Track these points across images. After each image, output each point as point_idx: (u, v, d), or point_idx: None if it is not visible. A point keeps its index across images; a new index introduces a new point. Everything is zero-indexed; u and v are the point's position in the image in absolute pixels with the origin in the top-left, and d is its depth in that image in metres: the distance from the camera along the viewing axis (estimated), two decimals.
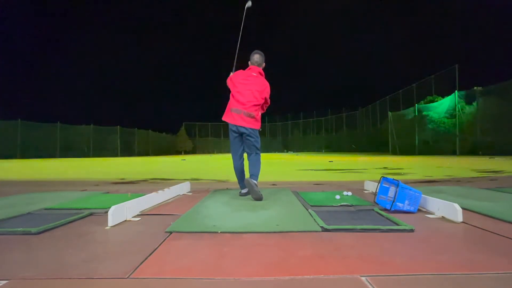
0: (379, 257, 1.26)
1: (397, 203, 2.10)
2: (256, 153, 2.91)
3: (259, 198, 2.60)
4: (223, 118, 2.92)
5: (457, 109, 17.30)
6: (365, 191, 3.14)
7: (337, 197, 2.63)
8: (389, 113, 22.87)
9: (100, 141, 27.18)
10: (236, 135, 2.90)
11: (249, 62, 3.07)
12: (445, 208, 1.96)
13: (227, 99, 2.98)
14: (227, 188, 3.46)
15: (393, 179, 2.23)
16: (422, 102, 20.92)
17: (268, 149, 41.57)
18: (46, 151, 22.30)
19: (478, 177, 4.93)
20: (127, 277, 1.08)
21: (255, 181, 2.72)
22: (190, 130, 47.61)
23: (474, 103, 16.51)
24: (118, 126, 29.36)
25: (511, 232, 1.60)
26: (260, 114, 2.94)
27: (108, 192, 3.29)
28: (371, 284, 1.00)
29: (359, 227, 1.67)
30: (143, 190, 3.33)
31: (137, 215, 2.11)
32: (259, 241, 1.50)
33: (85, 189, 3.70)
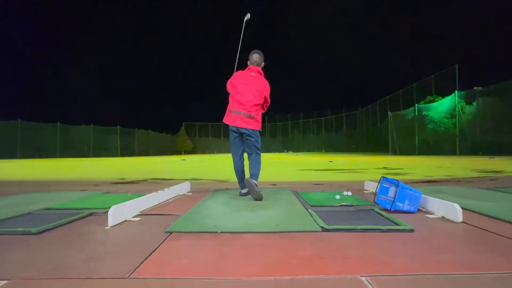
0: (379, 257, 1.26)
1: (397, 203, 2.10)
2: (257, 153, 2.90)
3: (259, 198, 2.60)
4: (224, 121, 2.92)
5: (457, 109, 17.31)
6: (365, 191, 3.14)
7: (337, 197, 2.63)
8: (389, 113, 22.88)
9: (100, 141, 27.19)
10: (237, 135, 2.90)
11: (248, 62, 3.07)
12: (445, 208, 1.96)
13: (227, 99, 2.98)
14: (227, 188, 3.46)
15: (393, 179, 2.23)
16: (422, 102, 20.93)
17: (268, 149, 41.56)
18: (46, 151, 22.31)
19: (478, 177, 4.93)
20: (127, 277, 1.08)
21: (255, 181, 2.72)
22: (190, 130, 47.67)
23: (474, 103, 16.53)
24: (118, 126, 29.38)
25: (511, 232, 1.60)
26: (260, 114, 2.93)
27: (108, 192, 3.29)
28: (371, 284, 1.00)
29: (359, 227, 1.67)
30: (143, 190, 3.33)
31: (137, 215, 2.11)
32: (259, 241, 1.50)
33: (85, 189, 3.70)
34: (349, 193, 2.81)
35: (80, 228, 1.80)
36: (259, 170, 2.90)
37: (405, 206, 2.10)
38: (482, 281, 1.03)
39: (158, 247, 1.41)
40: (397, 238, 1.53)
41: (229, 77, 3.05)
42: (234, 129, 2.87)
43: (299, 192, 3.03)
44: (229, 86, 2.99)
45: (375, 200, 2.36)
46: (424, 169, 6.99)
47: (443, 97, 19.20)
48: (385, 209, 2.18)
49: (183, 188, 3.17)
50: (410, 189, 2.11)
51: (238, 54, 3.15)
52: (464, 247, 1.41)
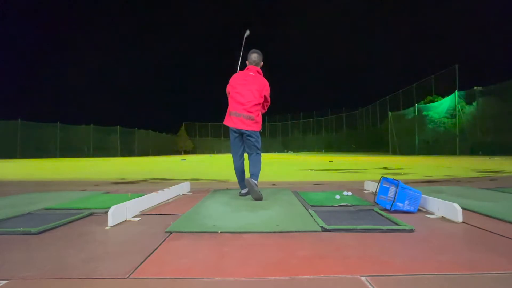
0: (379, 257, 1.26)
1: (397, 203, 2.10)
2: (257, 153, 2.90)
3: (259, 198, 2.60)
4: (224, 123, 2.92)
5: (457, 109, 17.32)
6: (365, 191, 3.14)
7: (337, 197, 2.63)
8: (389, 113, 22.89)
9: (100, 141, 27.20)
10: (237, 135, 2.90)
11: (247, 62, 3.06)
12: (445, 208, 1.96)
13: (227, 99, 2.98)
14: (227, 188, 3.46)
15: (393, 179, 2.23)
16: (422, 102, 20.94)
17: (268, 149, 41.60)
18: (46, 151, 22.31)
19: (478, 177, 4.93)
20: (127, 277, 1.08)
21: (255, 181, 2.71)
22: (190, 130, 47.71)
23: (474, 103, 16.53)
24: (118, 126, 29.39)
25: (511, 232, 1.60)
26: (260, 115, 2.93)
27: (108, 192, 3.29)
28: (371, 284, 1.00)
29: (359, 227, 1.67)
30: (143, 190, 3.33)
31: (137, 215, 2.11)
32: (259, 241, 1.50)
33: (85, 189, 3.70)
34: (349, 193, 2.81)
35: (80, 228, 1.80)
36: (259, 170, 2.90)
37: (405, 206, 2.10)
38: (482, 281, 1.03)
39: (158, 247, 1.41)
40: (397, 238, 1.53)
41: (229, 78, 3.04)
42: (234, 129, 2.87)
43: (299, 192, 3.03)
44: (228, 88, 2.99)
45: (375, 200, 2.36)
46: (424, 169, 6.99)
47: (443, 97, 19.21)
48: (385, 209, 2.18)
49: (183, 188, 3.17)
50: (410, 189, 2.11)
51: (238, 68, 3.14)
52: (464, 247, 1.41)
